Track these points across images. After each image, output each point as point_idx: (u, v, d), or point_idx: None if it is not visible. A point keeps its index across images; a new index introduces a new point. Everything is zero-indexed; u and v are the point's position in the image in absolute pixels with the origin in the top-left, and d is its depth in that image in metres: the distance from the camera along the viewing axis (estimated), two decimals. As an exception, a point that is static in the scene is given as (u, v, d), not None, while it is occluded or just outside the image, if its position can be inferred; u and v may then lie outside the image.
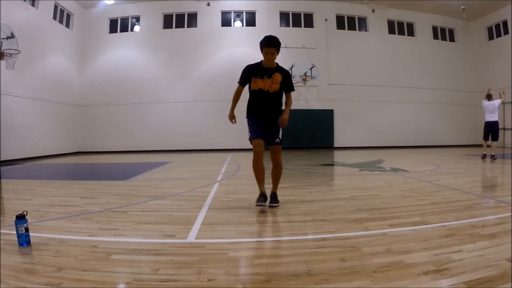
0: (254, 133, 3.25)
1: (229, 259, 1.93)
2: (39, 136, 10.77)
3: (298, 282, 1.60)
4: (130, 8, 13.87)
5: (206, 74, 13.65)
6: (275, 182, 3.38)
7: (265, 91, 3.20)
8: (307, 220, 2.85)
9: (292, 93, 3.42)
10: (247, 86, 3.33)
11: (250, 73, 3.24)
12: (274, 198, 3.30)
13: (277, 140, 3.29)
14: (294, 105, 14.65)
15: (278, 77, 3.21)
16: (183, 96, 13.73)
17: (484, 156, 8.16)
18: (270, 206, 3.22)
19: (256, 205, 3.16)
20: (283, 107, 3.37)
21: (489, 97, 8.18)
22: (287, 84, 3.30)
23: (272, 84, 3.20)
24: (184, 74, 13.85)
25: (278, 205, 3.26)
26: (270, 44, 3.10)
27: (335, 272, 1.69)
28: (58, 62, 12.10)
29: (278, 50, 3.16)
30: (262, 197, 3.21)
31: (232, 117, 3.37)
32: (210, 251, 2.05)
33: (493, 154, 7.96)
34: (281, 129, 3.31)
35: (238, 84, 3.31)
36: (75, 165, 8.89)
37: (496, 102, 8.04)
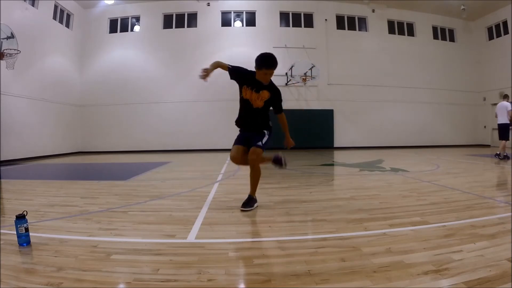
0: (235, 141, 3.28)
1: (229, 259, 1.94)
2: (39, 136, 10.77)
3: (298, 282, 1.60)
4: (130, 8, 13.86)
5: (206, 74, 13.61)
6: (252, 185, 3.25)
7: (250, 103, 3.12)
8: (307, 220, 2.85)
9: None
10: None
11: (245, 79, 3.13)
12: (247, 201, 3.19)
13: (259, 143, 3.11)
14: (294, 105, 14.80)
15: (265, 94, 3.09)
16: (183, 96, 13.73)
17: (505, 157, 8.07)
18: (241, 210, 3.10)
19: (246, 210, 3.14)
20: (286, 128, 3.33)
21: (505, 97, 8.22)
22: (275, 103, 3.17)
23: (257, 100, 3.10)
24: (184, 74, 13.84)
25: (250, 210, 3.10)
26: (273, 65, 2.98)
27: (335, 272, 1.69)
28: (58, 62, 12.10)
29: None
30: (250, 200, 3.21)
31: (207, 72, 2.96)
32: (210, 251, 2.06)
33: (498, 153, 7.99)
34: (266, 137, 3.19)
35: (227, 67, 3.13)
36: (75, 165, 8.89)
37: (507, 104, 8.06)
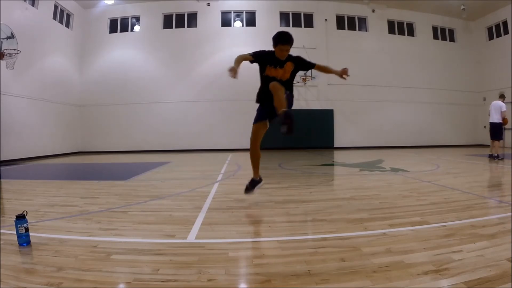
0: (257, 118, 3.32)
1: (229, 259, 1.93)
2: (39, 136, 10.77)
3: (298, 282, 1.60)
4: (130, 8, 13.86)
5: (206, 74, 13.64)
6: (278, 105, 2.99)
7: (277, 79, 3.22)
8: (307, 220, 2.85)
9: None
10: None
11: (266, 59, 3.25)
12: (283, 115, 2.92)
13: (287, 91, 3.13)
14: (294, 105, 14.75)
15: (289, 66, 3.24)
16: (183, 96, 13.73)
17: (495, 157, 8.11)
18: (281, 127, 2.93)
19: (245, 193, 3.34)
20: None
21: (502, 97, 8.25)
22: (303, 66, 3.31)
23: (284, 73, 3.24)
24: (184, 74, 13.85)
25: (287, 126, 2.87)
26: (287, 41, 3.13)
27: (335, 272, 1.69)
28: (58, 62, 12.09)
29: (291, 45, 3.20)
30: (251, 184, 3.35)
31: (235, 70, 2.87)
32: (210, 251, 2.06)
33: (495, 154, 7.99)
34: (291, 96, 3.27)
35: (248, 55, 3.20)
36: (75, 165, 8.89)
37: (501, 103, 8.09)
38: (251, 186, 3.39)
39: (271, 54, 3.25)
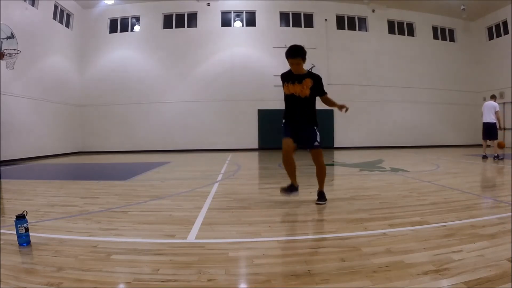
0: (284, 133, 3.38)
1: (229, 259, 1.93)
2: (39, 136, 10.77)
3: (298, 282, 1.60)
4: (130, 8, 13.86)
5: (206, 74, 13.64)
6: (320, 182, 3.47)
7: (296, 96, 3.28)
8: (307, 220, 2.85)
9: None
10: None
11: (283, 79, 3.35)
12: (320, 196, 3.42)
13: (316, 143, 3.38)
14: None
15: (308, 82, 3.25)
16: (183, 96, 13.73)
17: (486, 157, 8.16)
18: (316, 204, 3.31)
19: (281, 193, 3.39)
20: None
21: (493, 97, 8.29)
22: (318, 88, 3.33)
23: (303, 89, 3.26)
24: (184, 74, 13.85)
25: (325, 203, 3.32)
26: (293, 55, 3.17)
27: (335, 272, 1.69)
28: (58, 62, 12.10)
29: (303, 59, 3.21)
30: (289, 188, 3.39)
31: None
32: (210, 251, 2.06)
33: (495, 154, 8.00)
34: (318, 133, 3.42)
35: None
36: (75, 165, 8.89)
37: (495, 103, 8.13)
38: (288, 189, 3.42)
39: (289, 72, 3.32)
